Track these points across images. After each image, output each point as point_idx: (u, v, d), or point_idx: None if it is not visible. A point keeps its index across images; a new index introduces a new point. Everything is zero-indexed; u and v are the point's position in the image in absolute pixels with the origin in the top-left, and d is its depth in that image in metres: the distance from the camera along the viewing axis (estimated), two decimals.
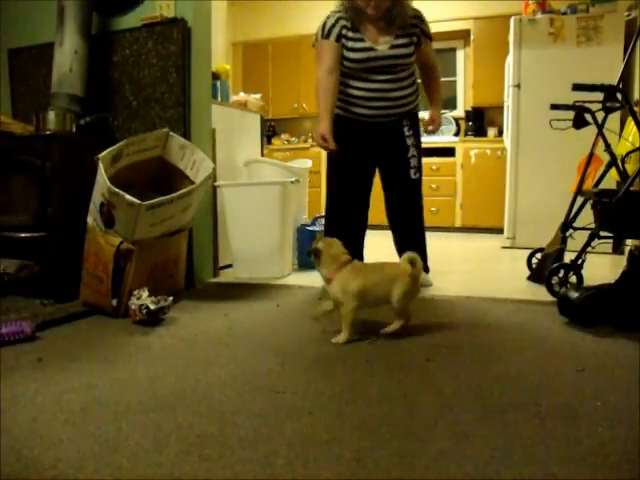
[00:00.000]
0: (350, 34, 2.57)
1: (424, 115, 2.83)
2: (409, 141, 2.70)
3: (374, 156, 2.75)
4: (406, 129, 2.70)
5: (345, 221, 2.76)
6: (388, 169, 2.77)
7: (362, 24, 2.57)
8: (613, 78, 2.76)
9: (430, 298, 2.52)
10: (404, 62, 2.60)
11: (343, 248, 2.00)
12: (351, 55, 2.57)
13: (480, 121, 5.60)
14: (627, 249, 3.08)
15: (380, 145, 2.71)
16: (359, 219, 2.82)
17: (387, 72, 2.59)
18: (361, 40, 2.56)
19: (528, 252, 3.04)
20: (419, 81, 2.79)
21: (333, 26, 2.56)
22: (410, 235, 2.84)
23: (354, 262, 1.98)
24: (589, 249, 2.45)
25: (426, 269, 2.83)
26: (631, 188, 2.44)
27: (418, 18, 2.63)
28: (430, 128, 2.76)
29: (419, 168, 2.73)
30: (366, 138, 2.70)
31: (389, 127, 2.68)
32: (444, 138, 5.43)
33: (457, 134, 5.56)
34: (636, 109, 2.78)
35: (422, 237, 2.84)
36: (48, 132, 2.53)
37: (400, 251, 2.88)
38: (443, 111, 3.11)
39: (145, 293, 2.14)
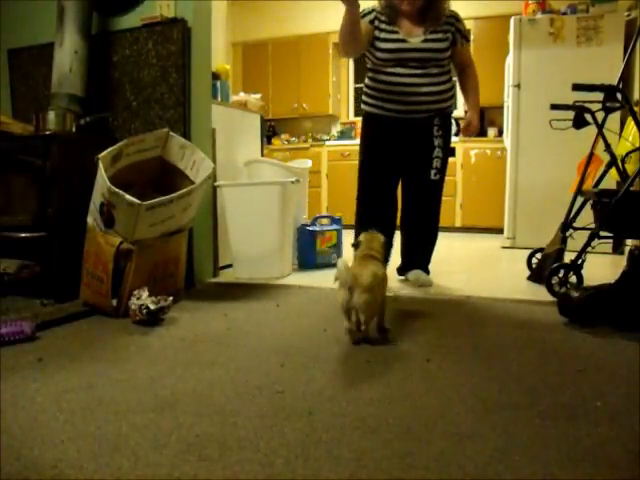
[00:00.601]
0: (383, 25, 2.59)
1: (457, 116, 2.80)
2: (436, 141, 2.68)
3: (402, 156, 2.72)
4: (435, 129, 2.68)
5: (374, 222, 2.75)
6: (410, 167, 2.74)
7: (398, 20, 2.59)
8: (613, 78, 2.76)
9: (430, 298, 2.52)
10: (436, 57, 2.59)
11: (380, 246, 2.01)
12: (382, 45, 2.58)
13: (480, 121, 5.60)
14: (627, 249, 3.08)
15: (409, 144, 2.68)
16: (387, 220, 2.74)
17: (418, 66, 2.57)
18: (395, 32, 2.58)
19: (528, 252, 3.05)
20: (455, 79, 2.76)
21: (368, 13, 2.61)
22: (415, 237, 2.82)
23: (369, 258, 1.96)
24: (589, 249, 2.45)
25: (427, 271, 2.83)
26: (631, 188, 2.44)
27: (454, 18, 2.64)
28: (467, 132, 2.76)
29: (441, 170, 2.71)
30: (397, 138, 2.68)
31: (420, 124, 2.65)
32: None
33: (457, 134, 5.56)
34: (636, 109, 2.78)
35: (431, 239, 2.82)
36: (48, 132, 2.53)
37: (401, 253, 2.88)
38: None
39: (145, 293, 2.14)
